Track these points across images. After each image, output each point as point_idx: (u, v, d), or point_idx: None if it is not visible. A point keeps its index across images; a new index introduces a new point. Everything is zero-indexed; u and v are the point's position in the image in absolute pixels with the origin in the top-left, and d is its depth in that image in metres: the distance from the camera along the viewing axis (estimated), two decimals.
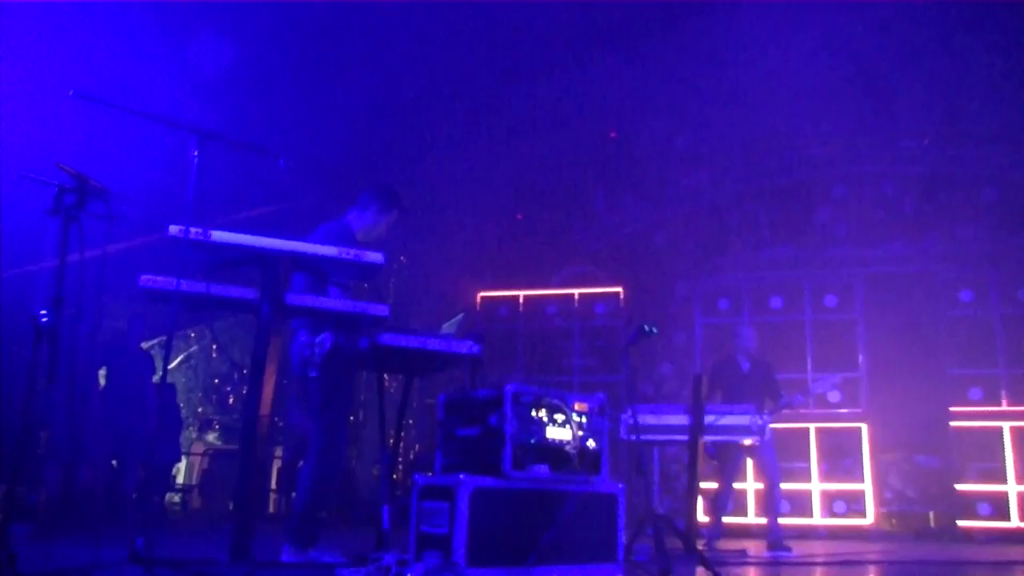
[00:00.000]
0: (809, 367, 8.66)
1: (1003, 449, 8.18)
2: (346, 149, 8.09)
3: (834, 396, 8.60)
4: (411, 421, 9.67)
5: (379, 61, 7.90)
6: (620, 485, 3.99)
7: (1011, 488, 8.08)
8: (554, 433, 3.77)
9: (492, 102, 8.71)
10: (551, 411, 3.79)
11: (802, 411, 8.34)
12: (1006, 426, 8.22)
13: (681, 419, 6.11)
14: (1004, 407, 8.28)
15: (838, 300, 8.84)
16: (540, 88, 8.48)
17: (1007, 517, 8.04)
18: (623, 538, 3.95)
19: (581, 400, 3.92)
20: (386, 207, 4.88)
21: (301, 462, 6.01)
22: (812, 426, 8.57)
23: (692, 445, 5.95)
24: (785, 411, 6.81)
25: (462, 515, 3.44)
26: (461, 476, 3.50)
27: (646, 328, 4.62)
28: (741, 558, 6.11)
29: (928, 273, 8.75)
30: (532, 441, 3.70)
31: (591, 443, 3.89)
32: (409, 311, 9.80)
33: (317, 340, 4.44)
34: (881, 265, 8.93)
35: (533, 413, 3.73)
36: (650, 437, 6.16)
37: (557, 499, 3.70)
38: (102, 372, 7.98)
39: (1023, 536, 7.91)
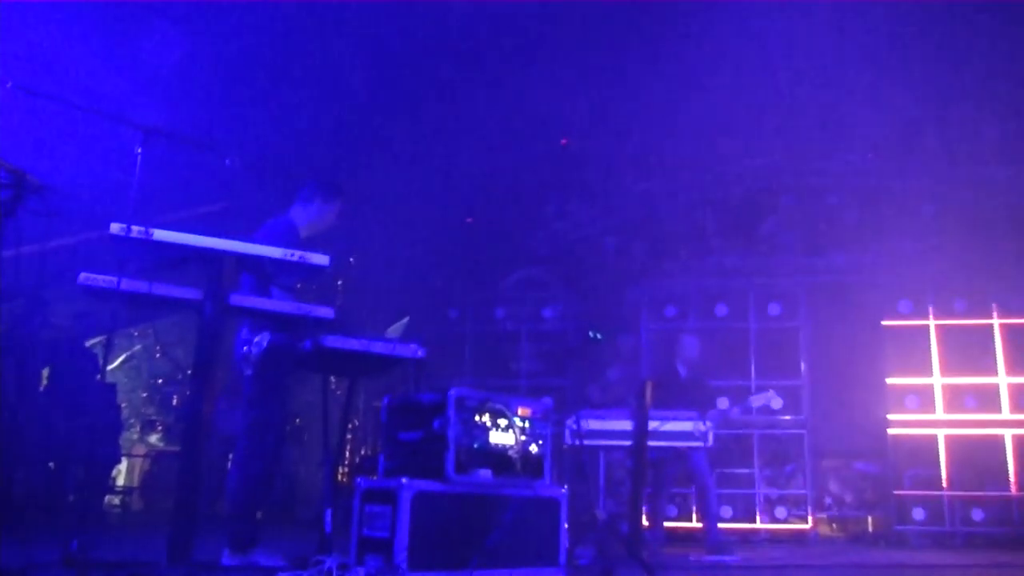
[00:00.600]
0: (753, 374, 8.78)
1: (938, 456, 8.38)
2: (294, 149, 8.04)
3: (776, 403, 8.73)
4: (357, 423, 9.61)
5: (330, 62, 7.87)
6: (563, 490, 4.03)
7: (945, 494, 8.28)
8: (497, 438, 3.80)
9: (444, 106, 8.71)
10: (495, 416, 3.82)
11: (747, 419, 8.51)
12: (940, 433, 8.43)
13: (626, 424, 6.17)
14: (939, 415, 8.48)
15: (782, 309, 8.98)
16: (492, 93, 8.50)
17: (942, 522, 8.23)
18: (566, 542, 3.98)
19: (525, 405, 3.95)
20: (329, 198, 4.87)
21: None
22: (755, 432, 8.70)
23: (637, 450, 6.01)
24: (729, 418, 6.93)
25: (404, 519, 3.45)
26: (403, 480, 3.50)
27: (591, 334, 4.67)
28: (683, 563, 6.18)
29: (869, 283, 8.93)
30: (475, 445, 3.72)
31: (534, 448, 3.92)
32: (356, 313, 9.74)
33: (256, 339, 4.41)
34: (824, 275, 9.10)
35: (477, 418, 3.75)
36: (595, 442, 6.22)
37: (499, 503, 3.73)
38: (45, 371, 7.82)
39: (955, 539, 8.11)
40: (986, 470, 8.33)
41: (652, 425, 6.12)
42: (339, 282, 9.86)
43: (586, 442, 6.16)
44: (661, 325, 9.05)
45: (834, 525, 9.38)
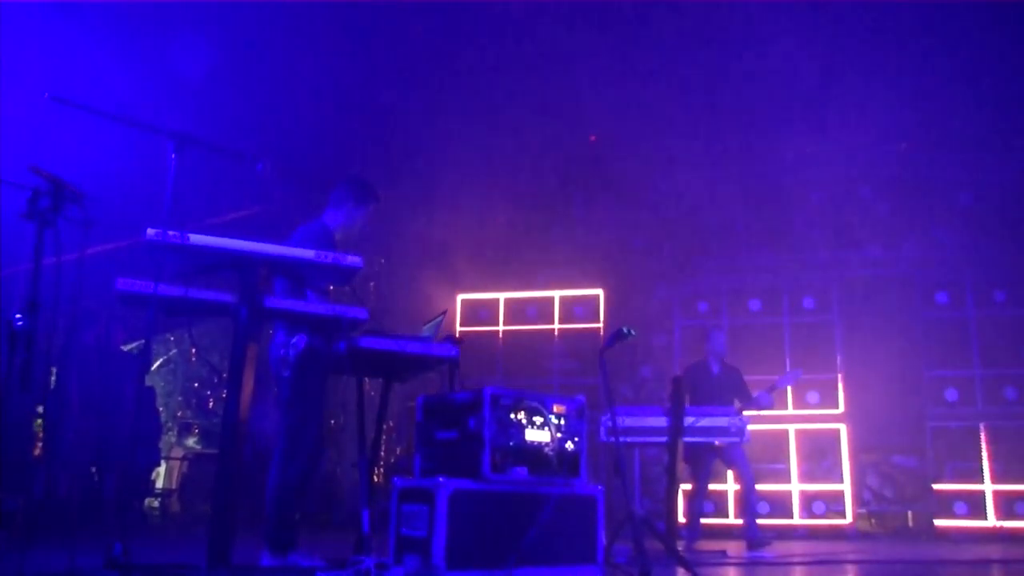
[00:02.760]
0: (787, 369, 8.71)
1: (979, 449, 8.26)
2: (324, 152, 8.09)
3: (813, 397, 8.66)
4: (391, 424, 9.65)
5: (357, 64, 7.89)
6: (599, 487, 4.01)
7: (987, 487, 8.17)
8: (533, 435, 3.79)
9: (471, 106, 8.71)
10: (530, 414, 3.81)
11: (781, 413, 8.44)
12: (982, 426, 8.31)
13: (660, 421, 6.14)
14: (979, 408, 8.36)
15: (815, 303, 8.91)
16: (520, 91, 8.50)
17: (984, 516, 8.13)
18: (603, 540, 3.96)
19: (560, 402, 3.93)
20: (361, 200, 4.88)
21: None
22: (791, 427, 8.63)
23: (671, 447, 5.98)
24: (755, 411, 6.87)
25: (441, 518, 3.45)
26: (440, 479, 3.50)
27: (624, 331, 4.64)
28: (720, 559, 6.14)
29: (904, 276, 8.84)
30: (511, 444, 3.71)
31: (570, 445, 3.90)
32: (389, 314, 9.77)
33: (292, 341, 4.44)
34: (858, 268, 9.02)
35: (512, 416, 3.74)
36: (629, 439, 6.18)
37: (536, 501, 3.71)
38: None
39: (999, 535, 7.99)
40: None
41: (686, 421, 6.11)
42: (371, 284, 9.91)
43: (621, 439, 6.12)
44: (694, 322, 9.01)
45: (873, 520, 9.28)
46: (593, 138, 9.89)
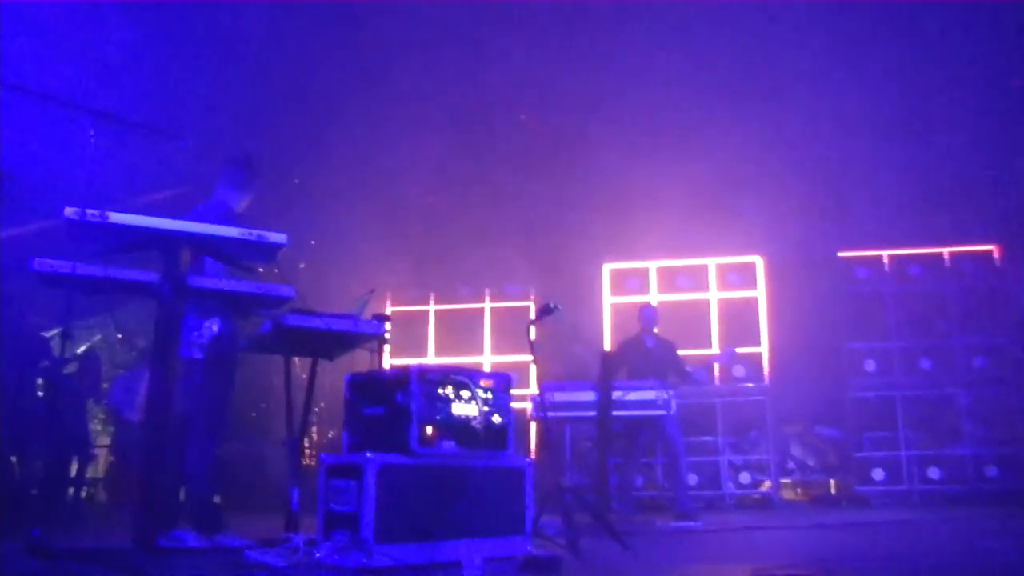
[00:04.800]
0: (714, 344, 8.91)
1: (895, 418, 8.59)
2: (252, 133, 7.96)
3: (739, 371, 8.87)
4: (323, 405, 9.59)
5: (288, 45, 7.80)
6: (527, 459, 4.08)
7: (903, 453, 8.50)
8: (460, 409, 3.83)
9: (403, 87, 8.66)
10: (457, 388, 3.85)
11: (708, 387, 8.64)
12: (898, 396, 8.64)
13: (589, 396, 6.25)
14: (896, 378, 8.69)
15: (741, 279, 9.13)
16: (452, 72, 8.48)
17: (901, 481, 8.46)
18: (531, 511, 4.03)
19: (487, 377, 3.98)
20: (251, 178, 4.91)
21: None
22: (718, 400, 8.83)
23: (601, 421, 6.11)
24: (691, 386, 7.04)
25: (369, 492, 3.47)
26: (368, 454, 3.52)
27: (551, 306, 4.71)
28: (649, 529, 6.28)
29: (827, 252, 9.10)
30: (438, 418, 3.75)
31: (497, 419, 3.95)
32: (323, 294, 9.70)
33: (206, 323, 4.42)
34: (783, 245, 9.24)
35: (439, 390, 3.78)
36: (560, 414, 6.29)
37: (464, 474, 3.76)
38: None
39: (913, 498, 8.33)
40: (942, 429, 8.57)
41: (616, 396, 6.23)
42: (301, 265, 9.81)
43: (551, 414, 6.22)
44: (625, 298, 9.15)
45: (798, 489, 9.56)
46: (525, 118, 9.91)
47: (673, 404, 6.35)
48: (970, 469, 8.36)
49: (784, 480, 9.19)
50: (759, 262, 9.22)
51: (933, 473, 8.45)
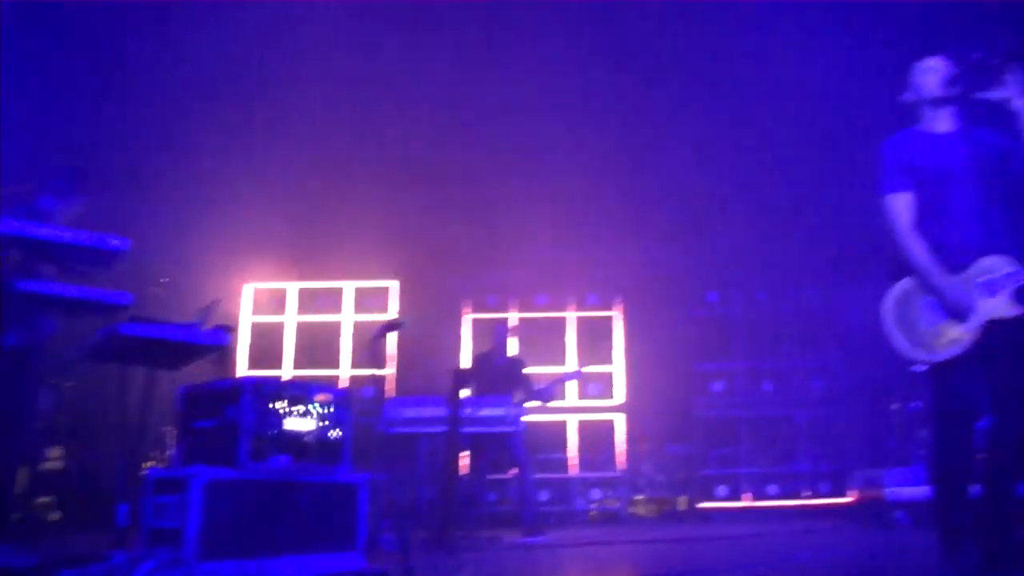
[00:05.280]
0: (570, 362, 9.11)
1: (738, 436, 8.99)
2: (96, 131, 7.66)
3: (593, 389, 9.10)
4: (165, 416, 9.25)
5: (125, 38, 7.56)
6: (363, 475, 4.08)
7: (744, 471, 8.90)
8: (294, 424, 3.80)
9: (266, 88, 8.50)
10: (293, 402, 3.82)
11: (562, 404, 8.83)
12: (742, 415, 9.05)
13: (440, 411, 6.28)
14: (740, 398, 9.10)
15: (599, 299, 9.38)
16: (313, 76, 8.37)
17: (739, 497, 8.85)
18: (365, 527, 4.03)
19: (324, 391, 3.96)
20: (77, 189, 4.77)
21: None
22: (572, 417, 9.02)
23: (450, 436, 6.14)
24: (539, 403, 7.17)
25: (194, 507, 3.40)
26: (194, 468, 3.46)
27: (397, 320, 4.74)
28: (494, 544, 6.35)
29: (680, 275, 9.45)
30: (271, 432, 3.71)
31: (333, 433, 3.94)
32: (175, 303, 9.37)
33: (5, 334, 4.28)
34: (639, 267, 9.54)
35: (273, 404, 3.74)
36: (409, 429, 6.29)
37: (296, 489, 3.73)
38: None
39: (753, 513, 8.72)
40: (779, 447, 9.02)
41: (465, 411, 6.28)
42: (151, 270, 9.45)
43: (401, 429, 6.23)
44: (484, 314, 9.25)
45: (648, 505, 9.84)
46: (393, 127, 9.85)
47: (521, 421, 6.45)
48: (805, 485, 8.83)
49: (636, 497, 9.45)
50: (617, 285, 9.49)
51: (771, 489, 8.88)
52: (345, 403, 4.00)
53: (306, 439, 3.82)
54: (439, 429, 6.29)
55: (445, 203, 9.24)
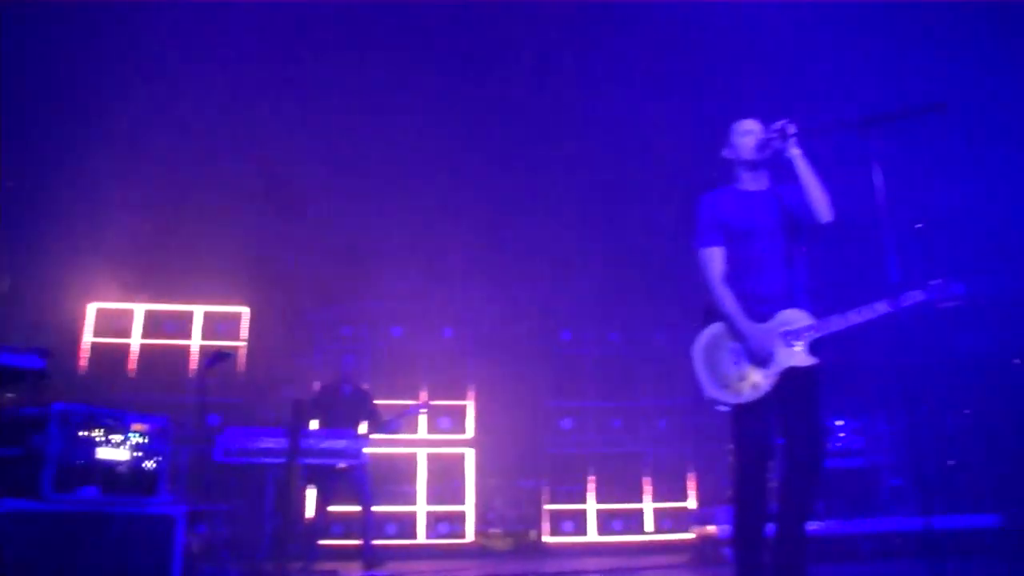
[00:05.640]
0: (423, 395, 9.11)
1: (585, 472, 9.19)
2: None
3: (445, 423, 9.13)
4: None
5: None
6: (181, 507, 3.98)
7: (590, 507, 9.08)
8: (107, 454, 3.68)
9: (120, 99, 8.25)
10: (107, 431, 3.70)
11: (412, 437, 8.82)
12: (589, 453, 9.26)
13: (280, 442, 6.18)
14: (589, 435, 9.31)
15: (454, 332, 9.44)
16: (168, 92, 8.19)
17: (585, 532, 9.02)
18: (180, 559, 3.92)
19: (141, 421, 3.86)
20: None
21: None
22: (422, 451, 9.01)
23: (288, 468, 6.05)
24: (387, 435, 7.16)
25: None
26: None
27: (222, 352, 4.66)
28: None
29: (535, 314, 9.64)
30: (79, 462, 3.58)
31: (149, 464, 3.84)
32: (11, 325, 8.89)
33: None
34: (495, 304, 9.67)
35: (83, 433, 3.61)
36: (246, 460, 6.16)
37: (104, 521, 3.61)
38: None
39: (597, 549, 8.89)
40: (625, 484, 9.27)
41: (307, 443, 6.21)
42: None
43: (238, 459, 6.09)
44: (336, 345, 9.16)
45: (497, 539, 9.89)
46: (264, 155, 9.70)
47: (363, 453, 6.42)
48: (649, 522, 9.09)
49: (489, 531, 9.49)
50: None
51: (616, 525, 9.10)
52: (163, 433, 3.90)
53: (119, 469, 3.70)
54: (278, 460, 6.19)
55: (302, 230, 9.16)
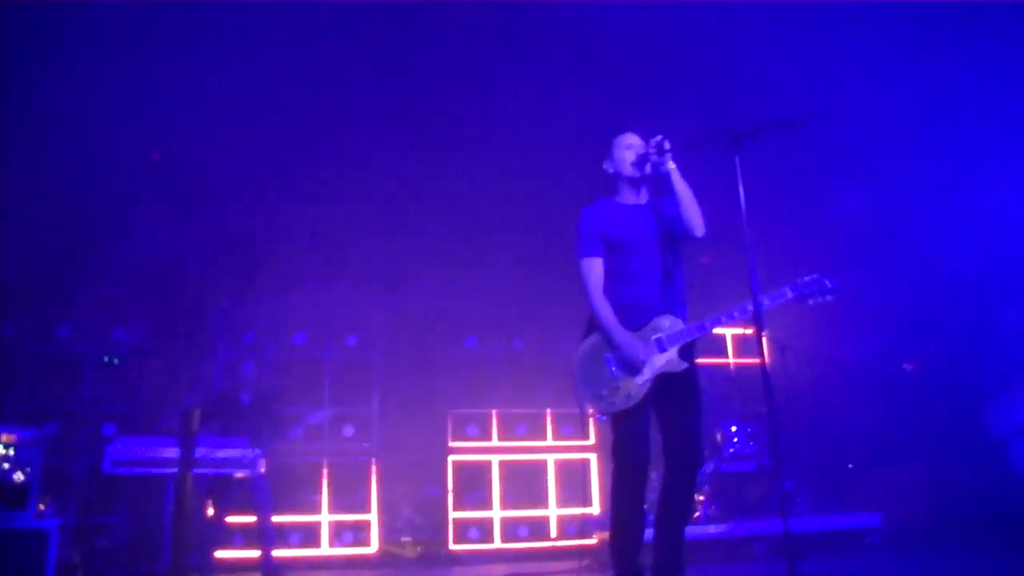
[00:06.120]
0: (326, 403, 9.03)
1: (491, 480, 9.23)
2: None
3: (349, 431, 9.06)
4: None
5: None
6: (53, 521, 3.88)
7: (495, 514, 9.12)
8: None
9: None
10: None
11: (312, 445, 8.75)
12: (495, 460, 9.30)
13: (173, 452, 6.07)
14: (494, 442, 9.36)
15: (359, 340, 9.39)
16: (63, 92, 7.94)
17: (491, 539, 9.05)
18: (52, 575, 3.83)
19: (9, 431, 3.75)
20: None
21: None
22: (325, 459, 8.92)
23: (180, 478, 5.94)
24: (288, 443, 7.11)
25: None
26: None
27: (106, 358, 4.57)
28: None
29: (437, 319, 9.66)
30: None
31: (18, 476, 3.74)
32: None
33: None
34: (399, 310, 9.66)
35: None
36: (136, 470, 6.03)
37: None
38: None
39: (504, 555, 8.93)
40: (531, 491, 9.34)
41: (201, 452, 6.11)
42: None
43: (128, 470, 5.96)
44: (237, 352, 9.02)
45: (403, 548, 9.85)
46: (156, 155, 9.51)
47: (259, 463, 6.35)
48: (554, 528, 9.17)
49: (401, 539, 9.46)
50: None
51: (522, 532, 9.15)
52: (34, 443, 3.80)
53: None
54: (171, 471, 6.07)
55: (200, 231, 9.00)
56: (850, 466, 10.16)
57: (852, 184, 9.53)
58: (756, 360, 9.92)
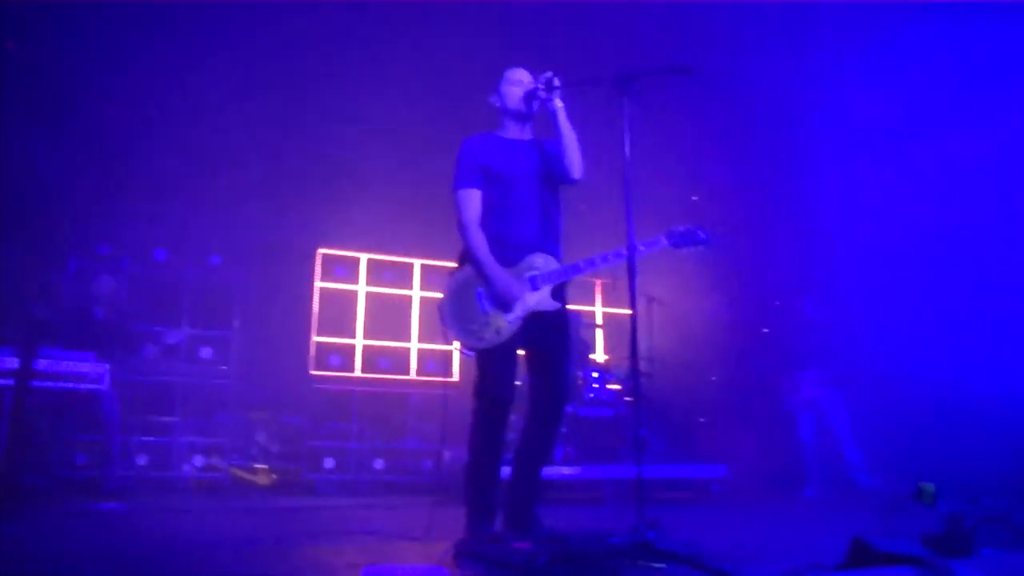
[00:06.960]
0: (184, 323, 8.71)
1: (352, 409, 9.16)
2: None
3: (207, 353, 8.77)
4: None
5: None
6: None
7: (353, 445, 9.07)
8: None
9: None
10: None
11: (171, 367, 8.44)
12: (357, 390, 9.23)
13: (12, 362, 5.73)
14: (357, 373, 9.28)
15: (223, 260, 9.05)
16: None
17: (348, 470, 9.01)
18: None
19: None
20: None
21: None
22: (179, 379, 8.61)
23: (17, 390, 5.63)
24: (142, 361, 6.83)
25: None
26: None
27: None
28: (64, 510, 5.93)
29: (305, 245, 9.43)
30: None
31: None
32: None
33: None
34: (266, 232, 9.37)
35: None
36: None
37: None
38: None
39: (359, 486, 8.90)
40: (391, 424, 9.34)
41: (43, 364, 5.80)
42: None
43: None
44: (89, 263, 8.53)
45: (258, 474, 9.69)
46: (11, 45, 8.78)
47: (107, 379, 6.07)
48: (409, 462, 9.21)
49: (255, 465, 9.28)
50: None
51: (378, 464, 9.14)
52: None
53: None
54: (7, 382, 5.74)
55: (58, 131, 8.42)
56: (701, 420, 10.62)
57: (734, 151, 9.80)
58: (623, 310, 10.29)
